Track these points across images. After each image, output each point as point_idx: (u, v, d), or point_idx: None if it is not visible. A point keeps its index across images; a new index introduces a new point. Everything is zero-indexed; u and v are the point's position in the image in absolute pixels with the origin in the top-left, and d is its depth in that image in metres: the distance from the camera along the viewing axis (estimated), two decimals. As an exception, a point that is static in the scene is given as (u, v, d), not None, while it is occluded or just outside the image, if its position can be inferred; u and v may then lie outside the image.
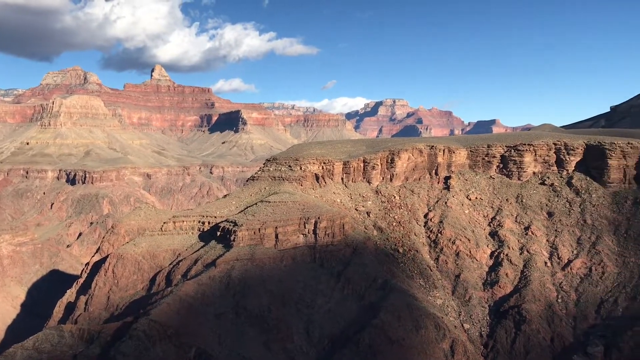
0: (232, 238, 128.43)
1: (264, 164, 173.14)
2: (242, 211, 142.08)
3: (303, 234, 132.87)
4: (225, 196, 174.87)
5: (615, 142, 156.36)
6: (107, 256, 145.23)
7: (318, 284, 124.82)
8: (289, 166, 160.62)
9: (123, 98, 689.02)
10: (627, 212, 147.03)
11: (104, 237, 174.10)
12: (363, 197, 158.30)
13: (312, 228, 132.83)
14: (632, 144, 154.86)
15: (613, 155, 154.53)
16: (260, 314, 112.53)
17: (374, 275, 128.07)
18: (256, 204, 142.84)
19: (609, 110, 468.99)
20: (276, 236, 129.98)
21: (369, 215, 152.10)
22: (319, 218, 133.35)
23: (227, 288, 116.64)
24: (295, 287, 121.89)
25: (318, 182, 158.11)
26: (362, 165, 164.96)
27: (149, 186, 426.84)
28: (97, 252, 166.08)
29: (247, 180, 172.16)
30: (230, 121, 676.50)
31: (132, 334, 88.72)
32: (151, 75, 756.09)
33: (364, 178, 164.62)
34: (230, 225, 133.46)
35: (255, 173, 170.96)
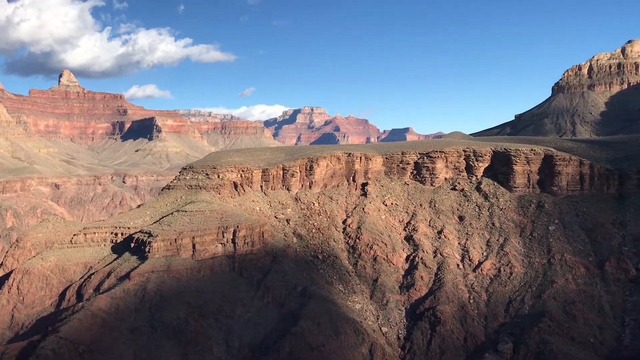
0: (147, 249, 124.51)
1: (180, 172, 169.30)
2: (157, 221, 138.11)
3: (222, 244, 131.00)
4: (139, 206, 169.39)
5: (520, 149, 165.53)
6: (11, 272, 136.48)
7: (237, 294, 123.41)
8: (207, 174, 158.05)
9: (28, 104, 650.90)
10: (531, 215, 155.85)
11: (7, 252, 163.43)
12: (282, 204, 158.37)
13: (231, 237, 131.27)
14: (535, 150, 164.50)
15: (518, 161, 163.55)
16: (178, 327, 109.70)
17: (293, 282, 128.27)
18: (172, 213, 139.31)
19: (513, 118, 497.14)
20: (193, 246, 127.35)
21: (288, 223, 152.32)
22: (237, 227, 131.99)
23: (143, 301, 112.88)
24: (214, 297, 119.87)
25: (236, 190, 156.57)
26: (281, 172, 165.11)
27: (58, 197, 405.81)
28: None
29: (162, 190, 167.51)
30: (144, 128, 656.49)
31: (40, 354, 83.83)
32: (59, 81, 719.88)
33: (283, 186, 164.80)
34: (144, 236, 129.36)
35: (171, 182, 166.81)
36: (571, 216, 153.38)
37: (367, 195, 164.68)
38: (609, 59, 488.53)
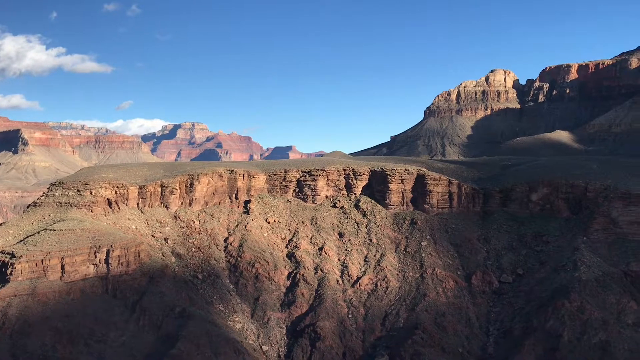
0: (8, 272, 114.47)
1: (48, 188, 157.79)
2: (21, 241, 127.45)
3: (94, 264, 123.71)
4: (0, 225, 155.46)
5: (395, 169, 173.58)
6: None
7: (111, 317, 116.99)
8: (78, 191, 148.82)
9: None
10: (405, 231, 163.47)
11: None
12: (160, 222, 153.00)
13: (104, 257, 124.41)
14: (408, 170, 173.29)
15: (393, 180, 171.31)
16: (44, 354, 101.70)
17: (172, 303, 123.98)
18: (39, 232, 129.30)
19: (389, 139, 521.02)
20: (62, 267, 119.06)
21: (166, 242, 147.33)
22: (111, 246, 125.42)
23: (3, 328, 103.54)
24: (85, 321, 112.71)
25: (111, 207, 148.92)
26: (159, 189, 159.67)
27: None
28: None
29: (27, 207, 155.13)
30: (8, 141, 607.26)
31: None
32: None
33: (161, 203, 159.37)
34: (6, 257, 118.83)
35: (38, 198, 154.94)
36: (441, 232, 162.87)
37: (250, 213, 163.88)
38: (475, 86, 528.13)
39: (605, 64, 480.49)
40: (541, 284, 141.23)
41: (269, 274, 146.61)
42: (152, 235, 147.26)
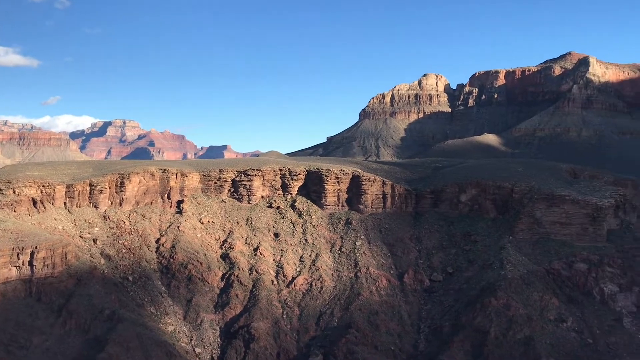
0: None
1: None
2: None
3: (16, 267, 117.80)
4: None
5: (331, 169, 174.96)
6: None
7: (35, 321, 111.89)
8: (0, 190, 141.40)
9: None
10: (340, 231, 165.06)
11: None
12: (89, 223, 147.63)
13: (28, 259, 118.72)
14: (344, 170, 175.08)
15: (329, 180, 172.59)
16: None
17: (100, 306, 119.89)
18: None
19: (325, 140, 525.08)
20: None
21: (95, 243, 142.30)
22: (36, 248, 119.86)
23: None
24: (6, 326, 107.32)
25: (36, 207, 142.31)
26: (88, 188, 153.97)
27: None
28: None
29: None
30: None
31: None
32: None
33: (90, 203, 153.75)
34: None
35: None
36: (375, 232, 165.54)
37: (183, 213, 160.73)
38: (408, 90, 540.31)
39: (531, 70, 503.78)
40: (469, 282, 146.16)
41: (202, 276, 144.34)
42: (80, 236, 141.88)
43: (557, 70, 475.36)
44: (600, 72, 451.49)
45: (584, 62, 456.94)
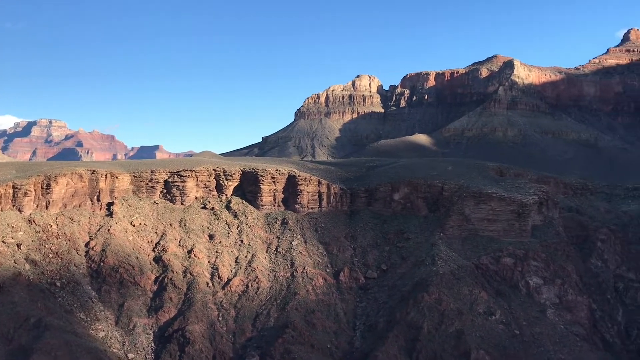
0: None
1: None
2: None
3: None
4: None
5: (267, 169, 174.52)
6: None
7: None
8: None
9: None
10: (276, 231, 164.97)
11: None
12: (12, 227, 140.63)
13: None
14: (280, 170, 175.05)
15: (265, 180, 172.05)
16: None
17: (25, 314, 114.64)
18: None
19: (261, 140, 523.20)
20: None
21: (19, 248, 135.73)
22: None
23: None
24: None
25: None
26: (11, 191, 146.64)
27: None
28: None
29: None
30: None
31: None
32: None
33: (13, 206, 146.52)
34: None
35: None
36: (311, 232, 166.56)
37: (113, 216, 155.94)
38: (342, 90, 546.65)
39: (459, 72, 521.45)
40: (403, 278, 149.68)
41: (134, 279, 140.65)
42: (3, 241, 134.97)
43: (484, 72, 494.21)
44: (524, 74, 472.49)
45: (508, 65, 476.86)
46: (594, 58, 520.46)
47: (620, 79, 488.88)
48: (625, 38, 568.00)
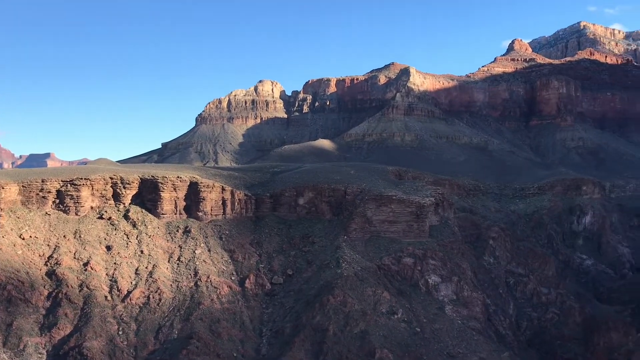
0: None
1: None
2: None
3: None
4: None
5: (167, 176, 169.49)
6: None
7: None
8: None
9: None
10: (178, 240, 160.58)
11: None
12: None
13: None
14: (181, 177, 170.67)
15: (165, 188, 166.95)
16: None
17: None
18: None
19: (160, 146, 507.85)
20: None
21: None
22: None
23: None
24: None
25: None
26: None
27: None
28: None
29: None
30: None
31: None
32: None
33: None
34: None
35: None
36: (215, 239, 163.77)
37: (0, 229, 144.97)
38: (245, 95, 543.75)
39: (359, 79, 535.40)
40: (309, 282, 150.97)
41: (24, 296, 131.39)
42: None
43: (382, 79, 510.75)
44: (419, 81, 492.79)
45: (405, 72, 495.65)
46: (483, 66, 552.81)
47: (507, 86, 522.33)
48: (510, 48, 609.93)
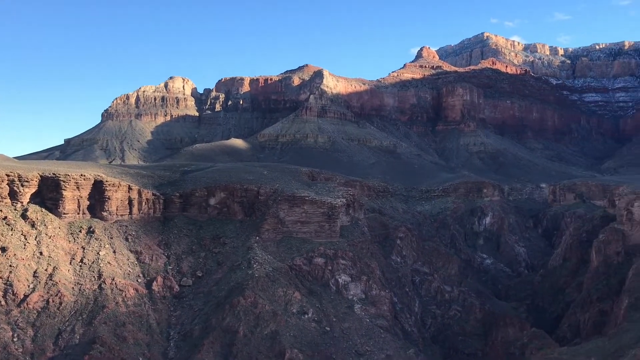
0: None
1: None
2: None
3: None
4: None
5: (69, 174, 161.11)
6: None
7: None
8: None
9: None
10: (81, 241, 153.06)
11: None
12: None
13: None
14: (84, 175, 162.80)
15: (67, 186, 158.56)
16: None
17: None
18: None
19: (63, 142, 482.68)
20: None
21: None
22: None
23: None
24: None
25: None
26: None
27: None
28: None
29: None
30: None
31: None
32: None
33: None
34: None
35: None
36: (121, 240, 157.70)
37: None
38: (154, 92, 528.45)
39: (273, 79, 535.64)
40: (219, 284, 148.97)
41: None
42: None
43: (296, 80, 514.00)
44: (332, 84, 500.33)
45: (318, 75, 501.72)
46: (393, 72, 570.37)
47: (415, 91, 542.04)
48: (419, 55, 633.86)
